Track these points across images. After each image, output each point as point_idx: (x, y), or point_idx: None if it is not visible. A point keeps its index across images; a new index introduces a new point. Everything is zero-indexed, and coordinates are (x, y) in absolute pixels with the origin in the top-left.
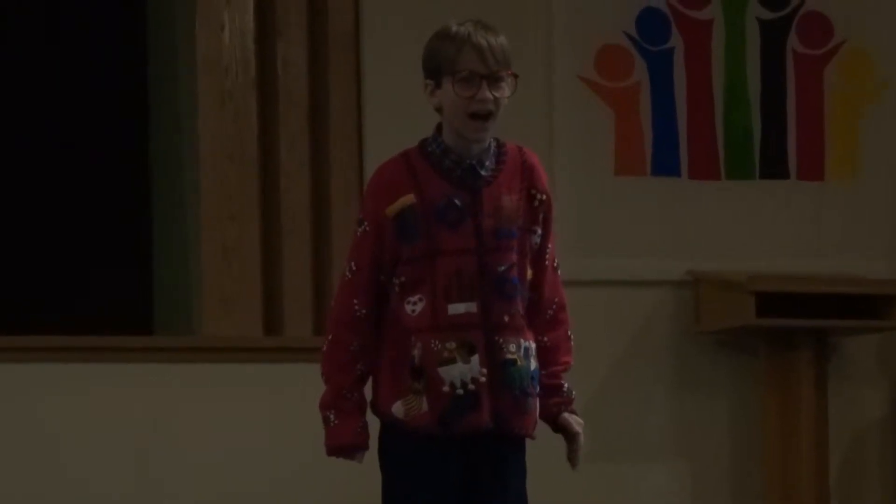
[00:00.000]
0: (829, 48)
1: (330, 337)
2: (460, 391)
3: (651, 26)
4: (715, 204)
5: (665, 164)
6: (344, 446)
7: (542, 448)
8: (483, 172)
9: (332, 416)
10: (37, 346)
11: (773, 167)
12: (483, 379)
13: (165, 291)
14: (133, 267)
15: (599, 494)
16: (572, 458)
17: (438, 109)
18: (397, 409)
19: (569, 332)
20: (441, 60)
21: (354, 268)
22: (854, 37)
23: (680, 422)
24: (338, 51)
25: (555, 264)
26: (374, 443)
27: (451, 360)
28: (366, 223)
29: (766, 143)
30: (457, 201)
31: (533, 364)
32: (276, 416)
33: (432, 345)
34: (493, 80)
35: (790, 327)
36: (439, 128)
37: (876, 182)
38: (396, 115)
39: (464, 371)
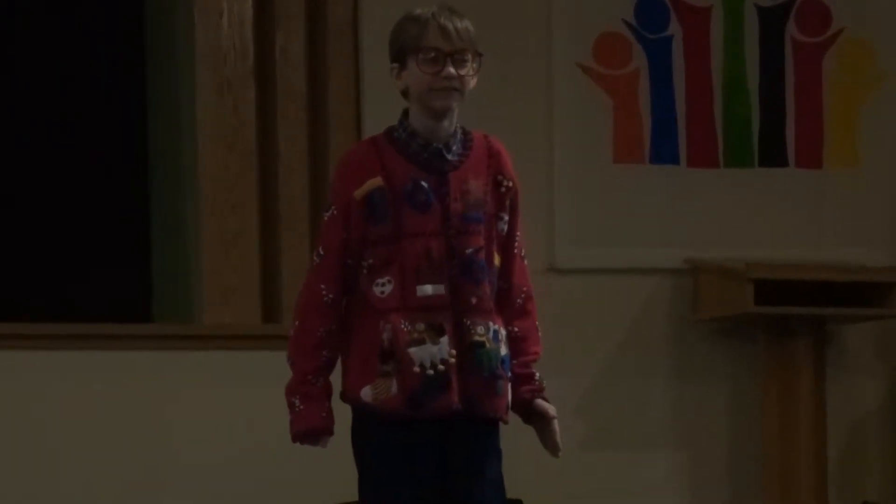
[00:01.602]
0: (827, 36)
1: (297, 323)
2: (430, 372)
3: (650, 14)
4: (713, 192)
5: (664, 152)
6: (309, 431)
7: (535, 434)
8: (450, 157)
9: (297, 402)
10: (36, 333)
11: (772, 155)
12: (452, 360)
13: (165, 281)
14: (132, 256)
15: (598, 483)
16: (552, 441)
17: (404, 93)
18: (366, 393)
19: (536, 323)
20: (406, 41)
21: (322, 252)
22: (853, 25)
23: (678, 410)
24: (336, 40)
25: (522, 253)
26: (347, 432)
27: (421, 342)
28: (333, 207)
29: (765, 131)
30: (424, 184)
31: (503, 349)
32: (274, 403)
33: (402, 325)
34: (458, 58)
35: (788, 315)
36: (405, 114)
37: (874, 170)
38: (395, 105)
39: (433, 352)
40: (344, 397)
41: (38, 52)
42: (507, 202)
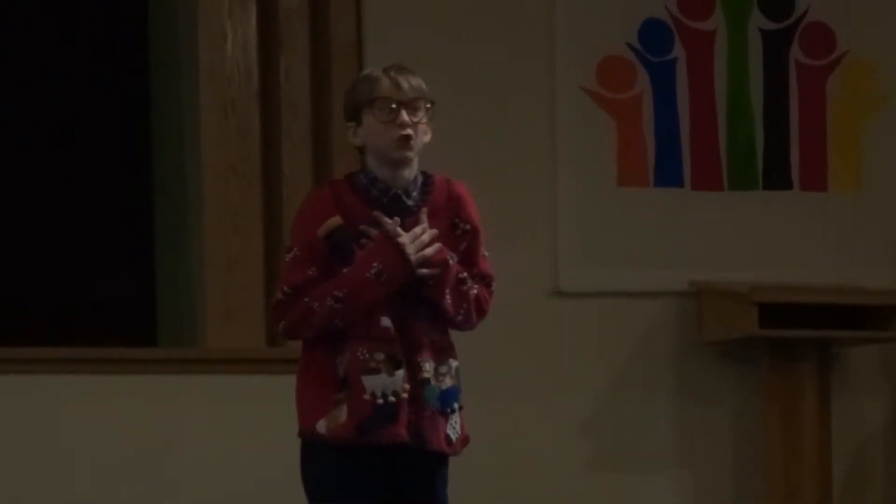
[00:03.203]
0: (831, 59)
1: (294, 320)
2: (381, 401)
3: (654, 37)
4: (718, 215)
5: (668, 175)
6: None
7: (542, 455)
8: (409, 202)
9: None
10: (40, 357)
11: (776, 178)
12: (405, 395)
13: (169, 303)
14: (136, 278)
15: None
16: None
17: (361, 149)
18: (321, 426)
19: (483, 306)
20: (359, 98)
21: (288, 290)
22: (856, 47)
23: (683, 432)
24: (341, 62)
25: (475, 292)
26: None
27: (377, 371)
28: (296, 249)
29: (769, 154)
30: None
31: (448, 383)
32: (279, 427)
33: (359, 353)
34: (411, 107)
35: (793, 338)
36: (362, 167)
37: (878, 193)
38: None
39: (387, 383)
40: (299, 433)
41: (44, 73)
42: (462, 245)
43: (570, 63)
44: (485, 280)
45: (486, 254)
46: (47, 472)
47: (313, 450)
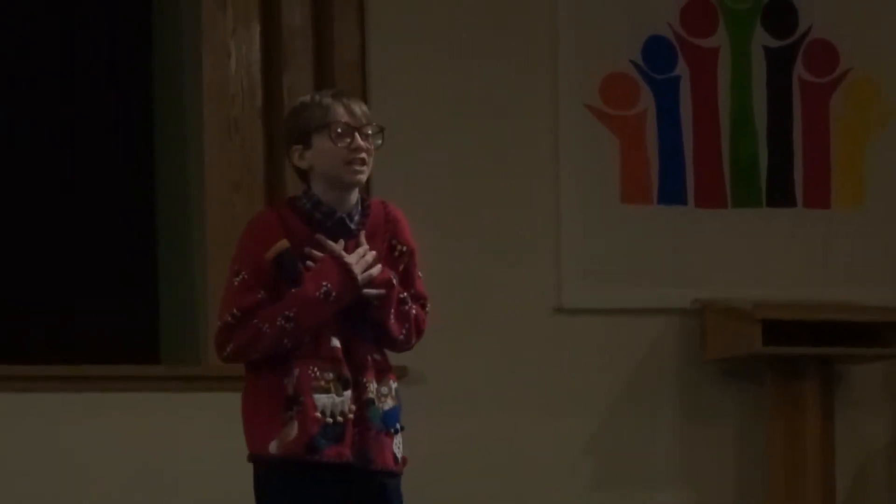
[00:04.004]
0: (835, 76)
1: (244, 345)
2: (329, 420)
3: (657, 54)
4: (721, 232)
5: (671, 193)
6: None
7: (545, 473)
8: (352, 225)
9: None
10: (42, 375)
11: (780, 195)
12: (351, 415)
13: (172, 321)
14: (139, 296)
15: None
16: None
17: (304, 172)
18: (273, 446)
19: (421, 326)
20: (310, 122)
21: (238, 313)
22: (860, 65)
23: (686, 450)
24: (344, 81)
25: (415, 311)
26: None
27: (326, 390)
28: (243, 272)
29: (773, 171)
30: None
31: (390, 403)
32: None
33: (310, 371)
34: (364, 132)
35: (796, 355)
36: (308, 187)
37: (882, 210)
38: (402, 144)
39: (336, 403)
40: (251, 457)
41: (47, 91)
42: (401, 266)
43: (574, 80)
44: (420, 301)
45: (421, 274)
46: (49, 490)
47: (266, 471)
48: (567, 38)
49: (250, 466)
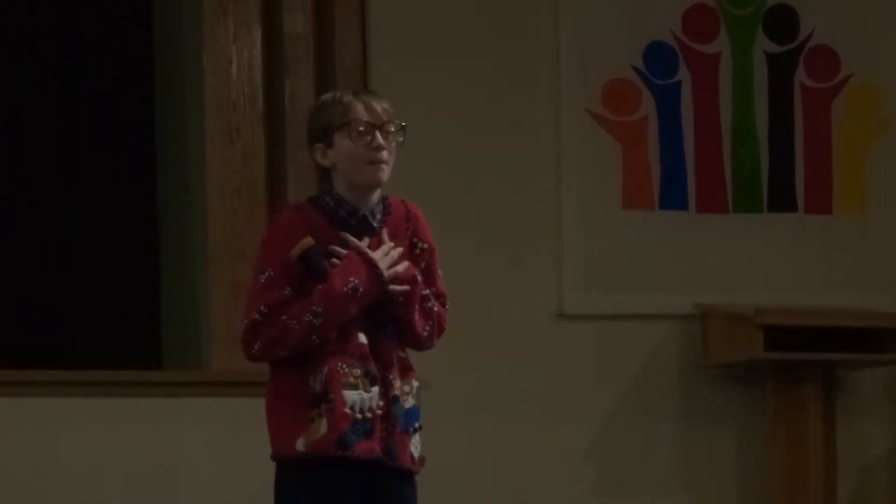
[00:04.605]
0: (836, 82)
1: (273, 340)
2: (359, 416)
3: (658, 60)
4: (722, 237)
5: (673, 198)
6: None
7: (546, 479)
8: (374, 223)
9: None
10: (45, 380)
11: (781, 200)
12: (379, 411)
13: (174, 327)
14: (141, 302)
15: None
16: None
17: (326, 170)
18: (300, 444)
19: (443, 324)
20: (331, 121)
21: (265, 310)
22: (861, 70)
23: (687, 455)
24: (345, 86)
25: (437, 308)
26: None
27: (355, 386)
28: (269, 270)
29: (774, 177)
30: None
31: (411, 402)
32: None
33: (339, 368)
34: (385, 130)
35: (798, 361)
36: (330, 185)
37: (884, 215)
38: (404, 150)
39: (364, 399)
40: (275, 456)
41: (48, 99)
42: (423, 264)
43: (575, 85)
44: (440, 299)
45: (441, 273)
46: (50, 495)
47: (292, 470)
48: (568, 43)
49: (253, 470)
